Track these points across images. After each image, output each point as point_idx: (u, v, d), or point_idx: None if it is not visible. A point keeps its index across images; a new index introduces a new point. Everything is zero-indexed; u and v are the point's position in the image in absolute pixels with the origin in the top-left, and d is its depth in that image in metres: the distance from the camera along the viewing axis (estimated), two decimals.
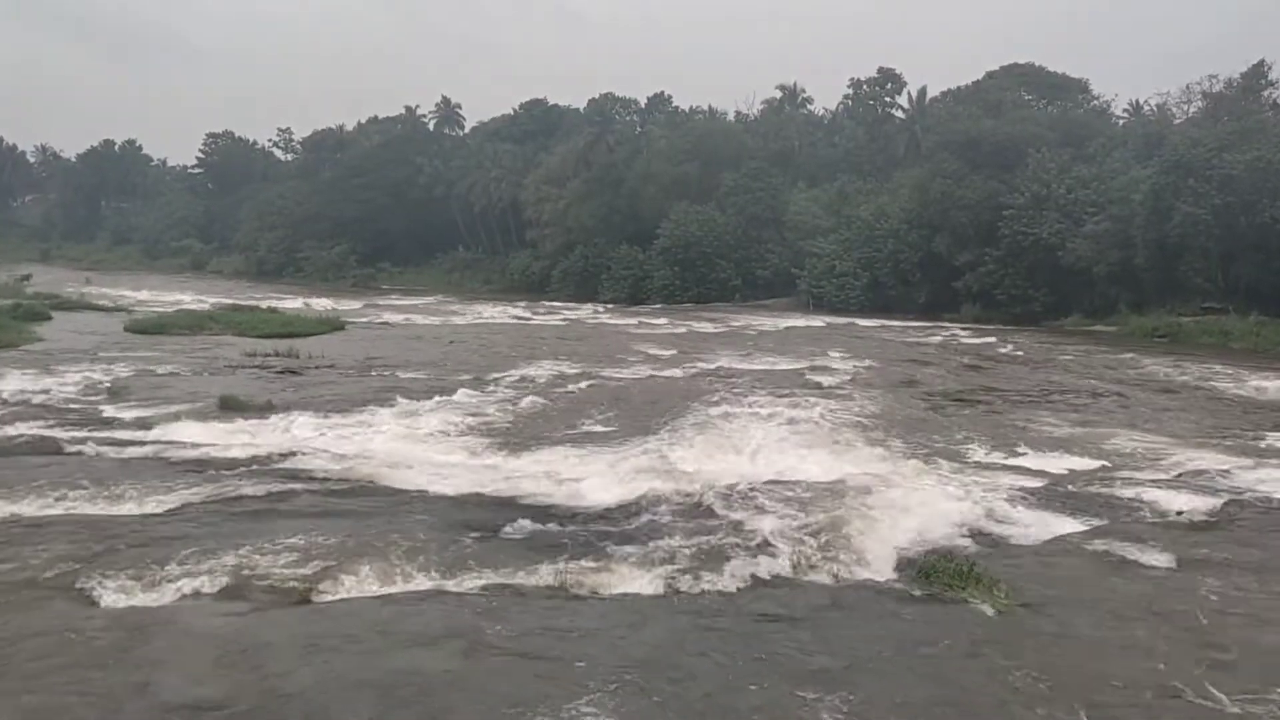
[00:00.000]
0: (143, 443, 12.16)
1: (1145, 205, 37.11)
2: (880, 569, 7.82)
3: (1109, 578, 7.72)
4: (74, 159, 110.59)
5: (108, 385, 16.78)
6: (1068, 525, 9.32)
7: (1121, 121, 56.00)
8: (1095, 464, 12.38)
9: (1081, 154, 45.35)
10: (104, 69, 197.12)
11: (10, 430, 12.62)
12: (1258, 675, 5.83)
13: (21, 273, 50.04)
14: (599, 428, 14.34)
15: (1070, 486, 10.96)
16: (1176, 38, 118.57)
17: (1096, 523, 9.39)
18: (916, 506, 9.47)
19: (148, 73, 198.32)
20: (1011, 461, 12.47)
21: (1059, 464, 12.28)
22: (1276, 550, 8.62)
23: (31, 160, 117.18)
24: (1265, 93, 44.90)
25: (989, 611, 6.85)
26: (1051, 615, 6.86)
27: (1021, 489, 10.66)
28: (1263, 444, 13.94)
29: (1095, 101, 57.70)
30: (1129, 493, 10.59)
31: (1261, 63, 45.32)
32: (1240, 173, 34.06)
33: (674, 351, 25.85)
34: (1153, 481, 11.22)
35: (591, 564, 7.81)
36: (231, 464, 11.09)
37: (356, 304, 44.13)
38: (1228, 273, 35.99)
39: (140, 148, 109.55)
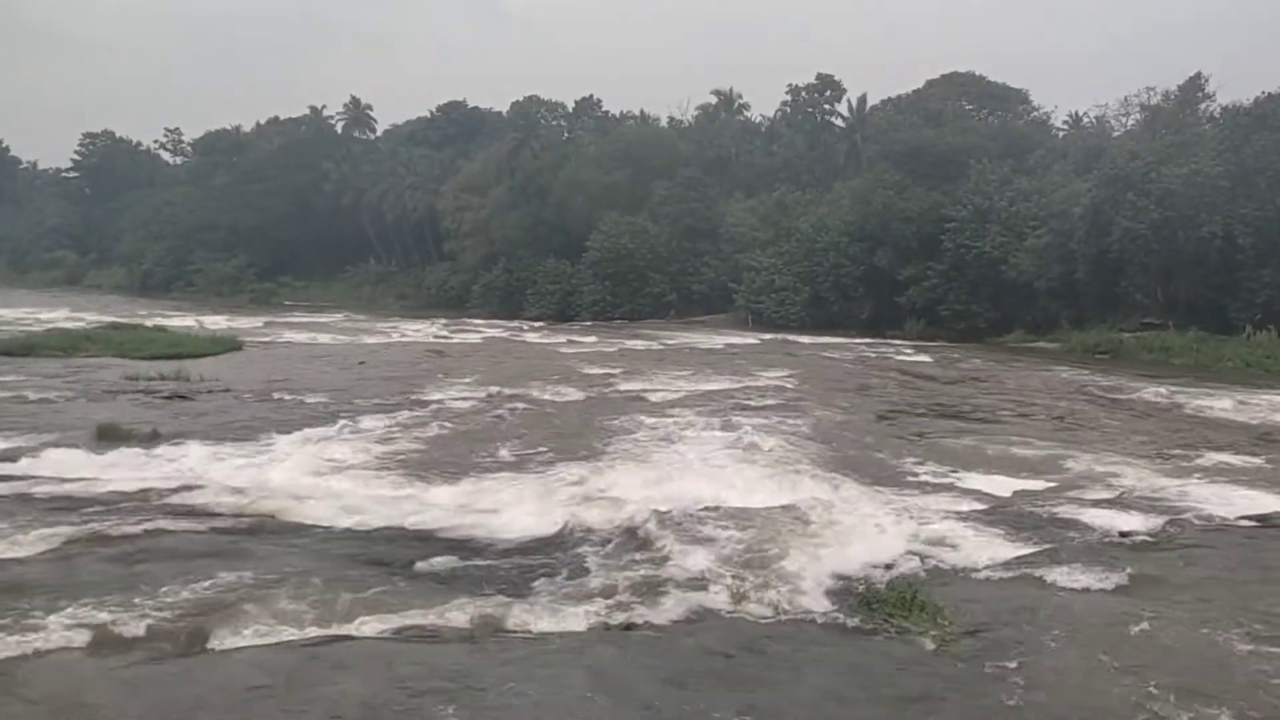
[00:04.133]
0: (6, 477, 11.58)
1: (1085, 219, 38.84)
2: (821, 599, 7.95)
3: (1054, 601, 8.01)
4: None
5: None
6: (1013, 548, 9.62)
7: (1061, 133, 58.62)
8: (1040, 484, 12.85)
9: (1023, 166, 47.28)
10: None
11: None
12: (1201, 697, 6.12)
13: None
14: (523, 454, 14.26)
15: (1015, 508, 11.34)
16: (1114, 48, 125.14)
17: (1042, 545, 9.73)
18: (858, 532, 9.68)
19: (16, 65, 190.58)
20: (955, 483, 12.85)
21: (1003, 485, 12.70)
22: (1217, 567, 9.08)
23: None
24: (1203, 105, 47.60)
25: (931, 642, 7.03)
26: (995, 642, 7.07)
27: (965, 512, 10.99)
28: (1202, 461, 14.68)
29: (1035, 113, 60.32)
30: (1073, 513, 11.01)
31: (1198, 75, 48.10)
32: (1178, 187, 35.95)
33: (605, 371, 25.90)
34: (1096, 502, 11.70)
35: (514, 600, 7.74)
36: (111, 499, 10.65)
37: (256, 321, 43.02)
38: (1167, 288, 37.89)
39: (8, 149, 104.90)
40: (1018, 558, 9.32)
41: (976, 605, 7.84)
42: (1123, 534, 10.21)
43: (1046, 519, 10.83)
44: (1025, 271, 41.24)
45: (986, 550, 9.54)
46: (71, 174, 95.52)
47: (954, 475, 13.37)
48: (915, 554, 9.30)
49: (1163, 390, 23.77)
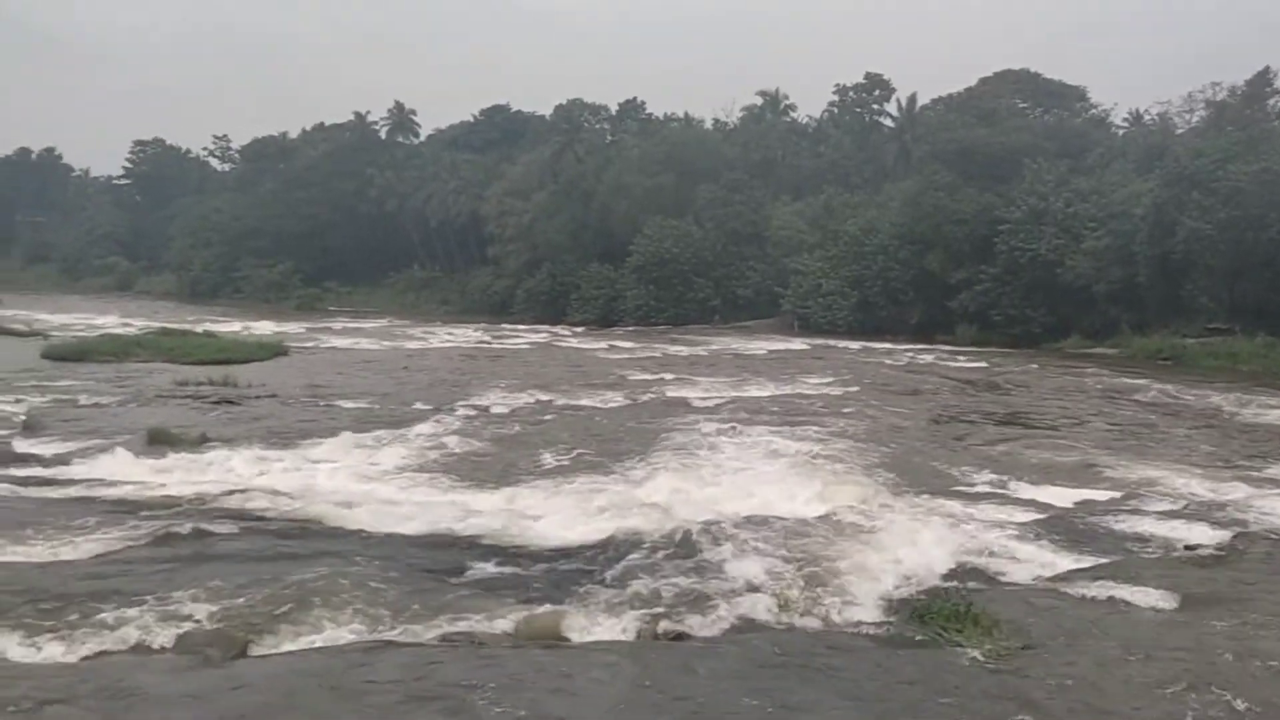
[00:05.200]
0: (61, 481, 11.94)
1: (1147, 220, 37.97)
2: (871, 610, 7.87)
3: (1114, 617, 7.83)
4: None
5: (22, 418, 16.48)
6: (1071, 561, 9.43)
7: (1121, 131, 57.41)
8: (1100, 495, 12.58)
9: (1080, 165, 46.38)
10: (17, 71, 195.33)
11: None
12: None
13: None
14: (567, 461, 14.33)
15: (1073, 519, 11.12)
16: (1178, 45, 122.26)
17: (1101, 558, 9.52)
18: (909, 542, 9.56)
19: (68, 76, 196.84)
20: (1011, 493, 12.64)
21: (1061, 495, 12.46)
22: None
23: None
24: (1271, 101, 46.31)
25: (984, 656, 6.92)
26: (1053, 658, 6.93)
27: (1021, 523, 10.79)
28: (1273, 472, 14.25)
29: (1094, 110, 59.14)
30: (1135, 526, 10.77)
31: (1266, 70, 46.79)
32: (1247, 185, 34.95)
33: (648, 377, 25.93)
34: (1160, 513, 11.42)
35: (559, 608, 7.78)
36: (161, 504, 10.93)
37: (301, 327, 43.81)
38: (1234, 291, 36.85)
39: (60, 156, 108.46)
40: (1076, 571, 9.13)
41: (1033, 619, 7.69)
42: (1188, 547, 9.95)
43: (1107, 531, 10.60)
44: (1083, 275, 40.41)
45: (1043, 563, 9.36)
46: (123, 181, 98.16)
47: (1009, 484, 13.15)
48: (969, 565, 9.17)
49: (1230, 398, 23.13)
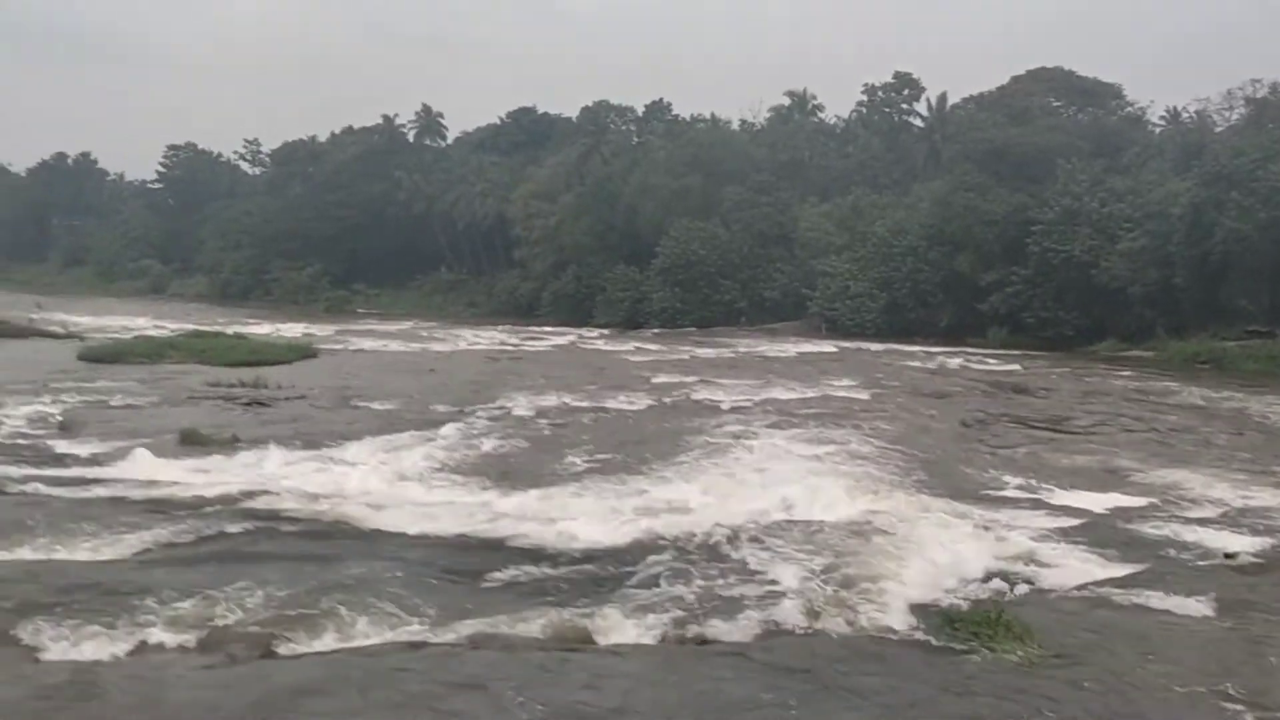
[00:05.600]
0: (96, 481, 12.13)
1: (1184, 220, 37.41)
2: (901, 616, 7.82)
3: (1151, 625, 7.73)
4: (23, 173, 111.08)
5: (59, 418, 16.79)
6: (1105, 568, 9.32)
7: (1158, 130, 56.59)
8: (1136, 501, 12.41)
9: (1115, 165, 45.80)
10: (55, 77, 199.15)
11: None
12: None
13: None
14: (594, 463, 14.36)
15: (1108, 526, 10.98)
16: (1217, 41, 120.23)
17: (1137, 566, 9.39)
18: (939, 547, 9.49)
19: (103, 81, 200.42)
20: (1044, 498, 12.50)
21: (1096, 501, 12.31)
22: None
23: None
24: None
25: (1016, 662, 6.85)
26: (1088, 666, 6.86)
27: (1054, 529, 10.68)
28: None
29: (1129, 108, 58.30)
30: (1172, 533, 10.62)
31: None
32: None
33: (675, 379, 25.92)
34: (1198, 520, 11.24)
35: (586, 611, 7.80)
36: (193, 504, 11.08)
37: (330, 329, 44.24)
38: (1275, 293, 36.20)
39: (95, 161, 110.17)
40: (1111, 578, 9.01)
41: (1066, 627, 7.61)
42: (1227, 555, 9.79)
43: (1142, 538, 10.46)
44: (1118, 276, 39.87)
45: (1077, 569, 9.25)
46: (156, 185, 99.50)
47: (1042, 490, 13.01)
48: (1000, 571, 9.07)
49: (1270, 403, 22.71)
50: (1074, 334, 41.83)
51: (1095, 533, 10.62)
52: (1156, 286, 38.87)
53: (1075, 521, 11.13)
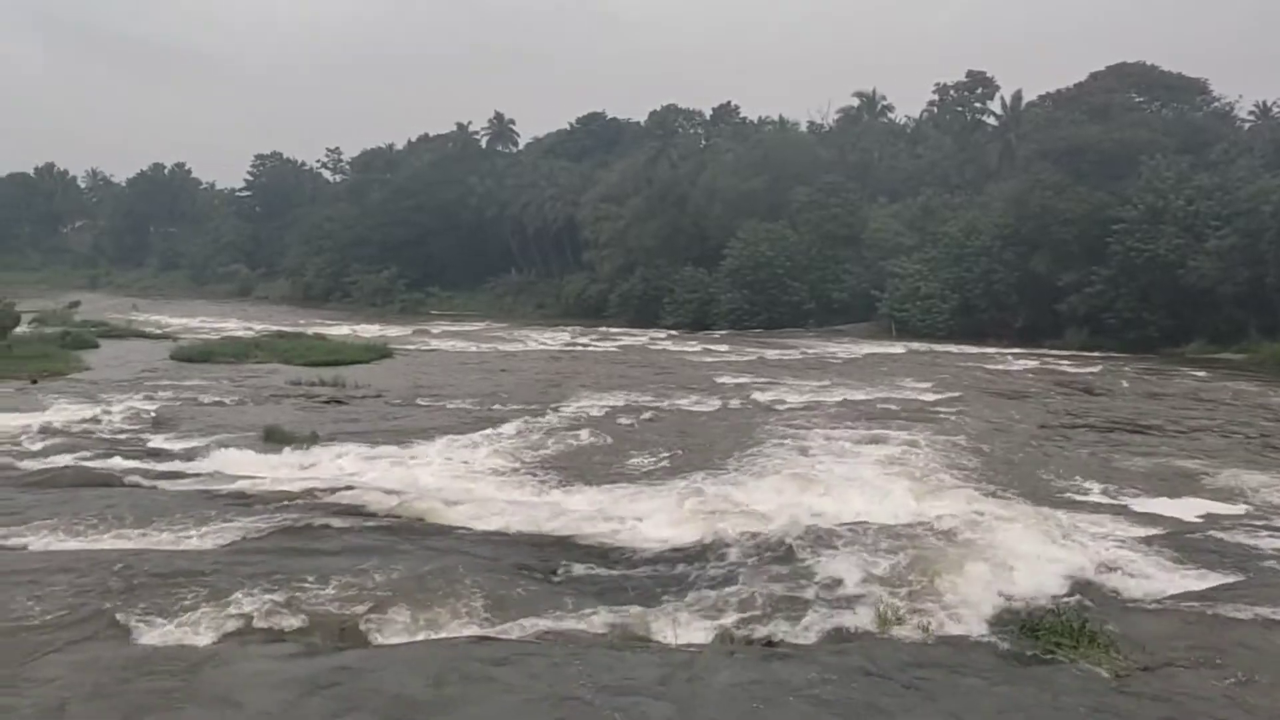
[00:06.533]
0: (187, 474, 12.60)
1: (1277, 218, 35.67)
2: (977, 623, 7.55)
3: (1245, 640, 7.30)
4: (125, 184, 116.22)
5: (153, 415, 17.46)
6: (1196, 579, 8.88)
7: (1247, 125, 54.09)
8: (1228, 509, 11.82)
9: (1202, 161, 43.88)
10: (153, 93, 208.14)
11: (57, 461, 13.23)
12: None
13: (70, 300, 52.70)
14: (662, 463, 14.29)
15: (1199, 534, 10.48)
16: None
17: (1229, 576, 8.92)
18: (1016, 553, 9.14)
19: (197, 95, 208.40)
20: (1129, 505, 11.99)
21: (1185, 508, 11.77)
22: None
23: (82, 186, 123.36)
24: None
25: (1104, 674, 6.54)
26: (1177, 679, 6.52)
27: (1140, 537, 10.21)
28: None
29: (1216, 103, 55.84)
30: (1268, 542, 10.06)
31: None
32: None
33: (743, 380, 25.68)
34: None
35: (652, 610, 7.73)
36: (276, 498, 11.37)
37: (404, 330, 45.11)
38: None
39: (189, 171, 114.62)
40: (1202, 589, 8.58)
41: (1154, 639, 7.25)
42: None
43: (1236, 548, 9.93)
44: (1206, 276, 38.19)
45: (1166, 579, 8.83)
46: (244, 193, 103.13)
47: (1127, 496, 12.49)
48: (1081, 579, 8.72)
49: None
50: (1159, 336, 40.19)
51: (1183, 541, 10.13)
52: (1247, 286, 37.12)
53: (1161, 529, 10.64)
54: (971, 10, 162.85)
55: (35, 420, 16.32)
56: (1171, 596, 8.39)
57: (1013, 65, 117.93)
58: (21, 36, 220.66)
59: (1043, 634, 7.08)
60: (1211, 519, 11.26)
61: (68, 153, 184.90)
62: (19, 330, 29.53)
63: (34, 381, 21.62)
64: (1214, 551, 9.76)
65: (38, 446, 14.23)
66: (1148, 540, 10.08)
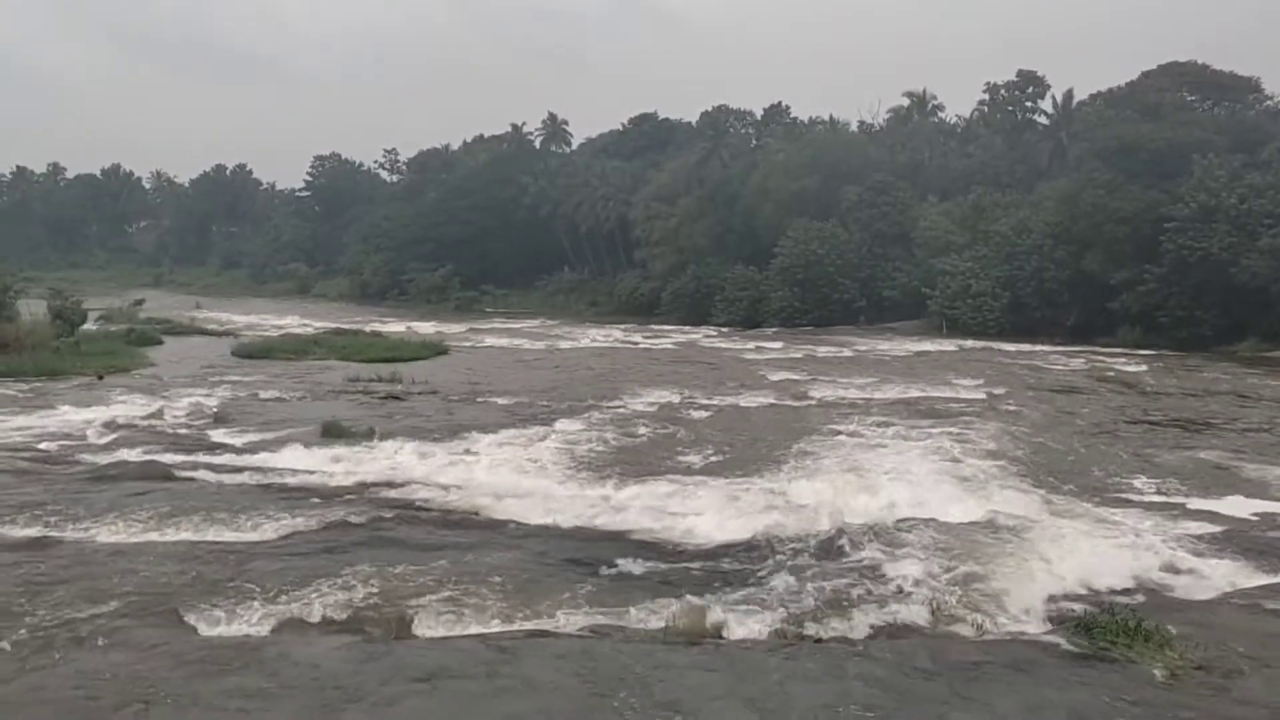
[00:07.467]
0: (247, 469, 12.82)
1: None
2: (1032, 620, 7.42)
3: None
4: (187, 184, 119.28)
5: (215, 410, 17.85)
6: (1251, 577, 8.65)
7: None
8: None
9: (1255, 160, 42.51)
10: (215, 95, 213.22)
11: (122, 455, 13.56)
12: None
13: (135, 298, 54.25)
14: (714, 459, 14.26)
15: (1255, 533, 10.19)
16: None
17: None
18: (1071, 551, 8.96)
19: (258, 97, 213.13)
20: (1183, 503, 11.67)
21: (1241, 506, 11.43)
22: None
23: (147, 186, 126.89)
24: None
25: (1160, 674, 6.38)
26: (1236, 679, 6.33)
27: (1196, 535, 9.95)
28: None
29: (1269, 102, 54.04)
30: None
31: None
32: None
33: (794, 377, 25.50)
34: None
35: (705, 605, 7.70)
36: (334, 492, 11.57)
37: (460, 327, 45.56)
38: None
39: (250, 172, 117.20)
40: (1258, 588, 8.36)
41: (1211, 637, 7.06)
42: None
43: None
44: (1260, 274, 37.01)
45: (1222, 578, 8.61)
46: (304, 193, 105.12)
47: (1182, 494, 12.16)
48: (1137, 577, 8.53)
49: None
50: (1212, 334, 39.07)
51: (1239, 540, 9.86)
52: None
53: (1216, 527, 10.35)
54: (1022, 8, 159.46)
55: (101, 415, 16.69)
56: (1227, 595, 8.17)
57: (1064, 64, 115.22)
58: (92, 45, 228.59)
59: (1097, 632, 6.93)
60: (1267, 518, 10.92)
61: (133, 155, 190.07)
62: (86, 327, 30.21)
63: (100, 377, 22.16)
64: (1269, 550, 9.48)
65: (103, 441, 14.60)
66: (1202, 538, 9.83)
